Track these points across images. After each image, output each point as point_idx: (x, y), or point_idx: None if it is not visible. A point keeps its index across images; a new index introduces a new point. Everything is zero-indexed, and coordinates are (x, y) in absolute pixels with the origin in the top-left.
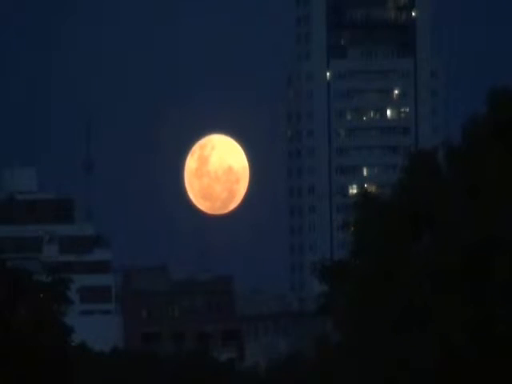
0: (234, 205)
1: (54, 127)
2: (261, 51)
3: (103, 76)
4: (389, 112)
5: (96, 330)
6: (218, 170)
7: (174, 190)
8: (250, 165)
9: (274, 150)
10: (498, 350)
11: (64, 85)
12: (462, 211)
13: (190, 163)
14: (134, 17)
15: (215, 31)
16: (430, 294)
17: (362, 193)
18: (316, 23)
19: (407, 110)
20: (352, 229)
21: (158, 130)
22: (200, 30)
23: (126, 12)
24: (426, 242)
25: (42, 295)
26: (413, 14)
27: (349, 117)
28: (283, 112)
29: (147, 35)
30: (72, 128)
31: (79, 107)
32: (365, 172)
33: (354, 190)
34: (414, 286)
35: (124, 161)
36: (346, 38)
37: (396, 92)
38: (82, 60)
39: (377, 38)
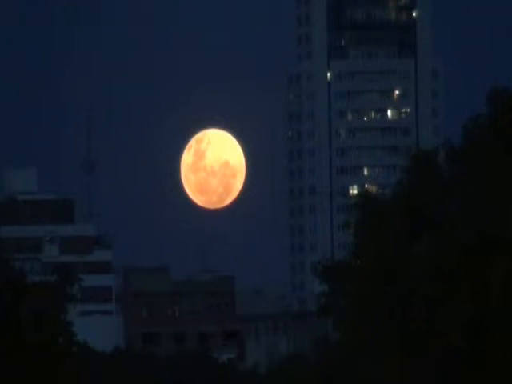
0: (230, 199)
1: (53, 127)
2: (261, 51)
3: (103, 75)
4: (389, 112)
5: (96, 330)
6: (214, 164)
7: (170, 185)
8: (247, 161)
9: (275, 150)
10: (497, 350)
11: (64, 84)
12: (462, 211)
13: (187, 157)
14: (135, 16)
15: (216, 31)
16: (430, 293)
17: (363, 193)
18: (316, 23)
19: (408, 110)
20: (352, 229)
21: (157, 128)
22: (200, 29)
23: (127, 11)
24: (425, 242)
25: (44, 295)
26: (413, 14)
27: (349, 117)
28: (283, 112)
29: (147, 34)
30: (72, 128)
31: (79, 107)
32: (365, 172)
33: (354, 191)
34: (414, 286)
35: (123, 160)
36: (347, 39)
37: (396, 92)
38: (81, 59)
39: (377, 38)
